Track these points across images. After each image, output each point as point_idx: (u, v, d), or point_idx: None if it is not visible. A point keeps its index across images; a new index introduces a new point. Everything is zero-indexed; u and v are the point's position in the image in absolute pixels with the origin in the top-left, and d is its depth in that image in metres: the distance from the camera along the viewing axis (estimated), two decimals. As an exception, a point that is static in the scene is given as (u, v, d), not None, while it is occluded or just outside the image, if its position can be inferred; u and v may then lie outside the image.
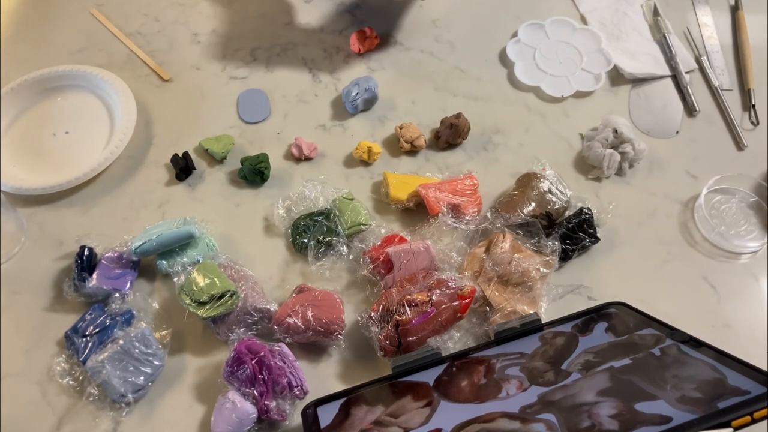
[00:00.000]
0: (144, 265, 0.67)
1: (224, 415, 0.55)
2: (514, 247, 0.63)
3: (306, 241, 0.66)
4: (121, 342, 0.58)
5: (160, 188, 0.73)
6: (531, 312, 0.60)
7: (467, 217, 0.67)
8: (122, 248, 0.65)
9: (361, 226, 0.67)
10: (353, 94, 0.77)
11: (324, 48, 0.85)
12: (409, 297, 0.59)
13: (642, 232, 0.69)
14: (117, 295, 0.62)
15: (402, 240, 0.65)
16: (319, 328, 0.58)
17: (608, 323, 0.57)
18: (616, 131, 0.72)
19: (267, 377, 0.56)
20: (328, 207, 0.68)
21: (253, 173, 0.71)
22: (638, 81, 0.82)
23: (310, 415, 0.53)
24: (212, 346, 0.62)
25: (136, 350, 0.58)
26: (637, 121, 0.78)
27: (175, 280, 0.62)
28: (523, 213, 0.66)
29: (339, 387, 0.58)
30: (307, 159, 0.75)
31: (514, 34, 0.87)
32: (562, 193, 0.69)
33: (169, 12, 0.89)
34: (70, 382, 0.59)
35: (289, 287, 0.65)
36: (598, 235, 0.66)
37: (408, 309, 0.58)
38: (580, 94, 0.81)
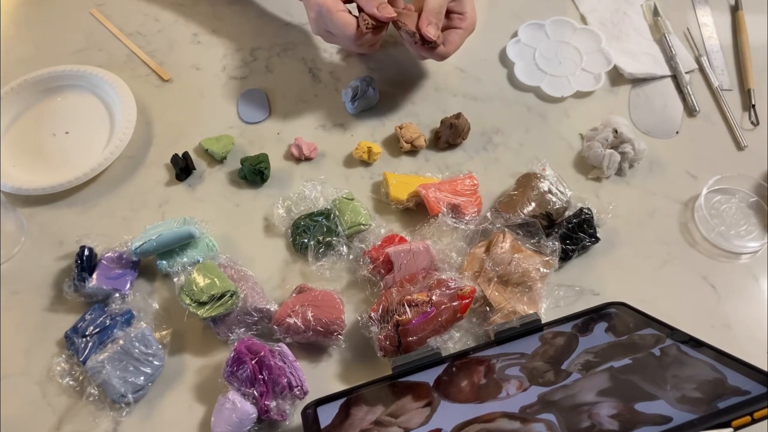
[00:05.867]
0: (144, 265, 0.67)
1: (224, 415, 0.55)
2: (514, 247, 0.63)
3: (306, 241, 0.66)
4: (121, 342, 0.58)
5: (160, 188, 0.73)
6: (531, 312, 0.60)
7: (467, 217, 0.67)
8: (122, 248, 0.65)
9: (361, 226, 0.67)
10: (353, 94, 0.77)
11: (324, 48, 0.85)
12: (409, 297, 0.59)
13: (642, 232, 0.69)
14: (117, 295, 0.62)
15: (402, 240, 0.65)
16: (319, 328, 0.58)
17: (608, 323, 0.57)
18: (616, 131, 0.72)
19: (267, 377, 0.56)
20: (328, 207, 0.68)
21: (253, 173, 0.71)
22: (638, 81, 0.82)
23: (310, 415, 0.53)
24: (212, 346, 0.62)
25: (136, 350, 0.58)
26: (637, 121, 0.78)
27: (175, 280, 0.62)
28: (523, 213, 0.66)
29: (339, 387, 0.58)
30: (307, 159, 0.75)
31: (514, 34, 0.87)
32: (562, 193, 0.69)
33: (169, 12, 0.89)
34: (70, 382, 0.59)
35: (289, 287, 0.65)
36: (598, 235, 0.66)
37: (408, 309, 0.58)
38: (580, 94, 0.81)
